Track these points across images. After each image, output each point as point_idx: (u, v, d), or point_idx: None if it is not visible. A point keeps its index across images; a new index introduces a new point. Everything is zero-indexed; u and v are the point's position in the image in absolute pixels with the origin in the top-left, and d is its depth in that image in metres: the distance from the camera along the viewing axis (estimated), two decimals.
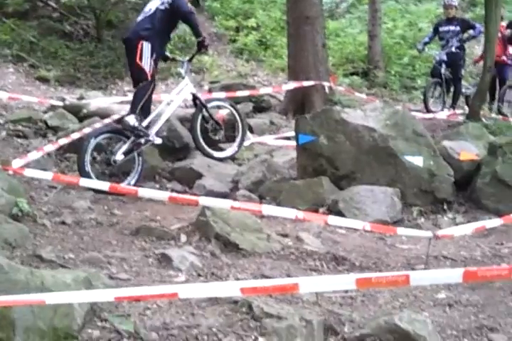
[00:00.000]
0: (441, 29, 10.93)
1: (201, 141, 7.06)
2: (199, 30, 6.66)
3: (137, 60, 6.42)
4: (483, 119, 9.50)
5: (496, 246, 4.99)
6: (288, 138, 8.11)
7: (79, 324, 2.82)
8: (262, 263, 4.27)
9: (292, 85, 9.77)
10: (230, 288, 2.77)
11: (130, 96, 10.21)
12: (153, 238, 4.49)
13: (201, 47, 6.73)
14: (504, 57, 11.33)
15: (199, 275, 3.91)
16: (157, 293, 2.79)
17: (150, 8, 6.64)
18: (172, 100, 7.11)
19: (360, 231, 5.06)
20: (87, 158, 6.08)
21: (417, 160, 6.04)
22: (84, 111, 8.30)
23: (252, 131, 8.47)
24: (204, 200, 4.67)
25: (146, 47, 6.43)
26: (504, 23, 11.17)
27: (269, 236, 4.68)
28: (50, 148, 6.70)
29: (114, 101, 9.08)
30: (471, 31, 10.92)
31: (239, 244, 4.43)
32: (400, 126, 6.23)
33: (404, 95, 12.68)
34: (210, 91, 10.47)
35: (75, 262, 3.89)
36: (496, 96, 11.39)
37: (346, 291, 3.70)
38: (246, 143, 7.73)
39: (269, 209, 4.75)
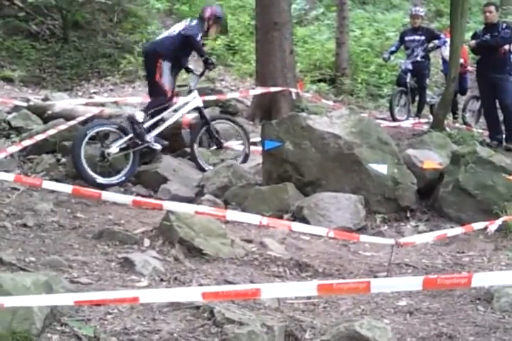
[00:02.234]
0: (406, 38, 11.06)
1: (196, 152, 7.13)
2: (202, 51, 7.19)
3: (157, 77, 6.89)
4: (447, 129, 9.64)
5: (457, 255, 5.06)
6: (254, 144, 8.11)
7: (38, 328, 2.78)
8: (226, 268, 4.26)
9: (259, 91, 9.80)
10: (191, 293, 2.76)
11: (96, 98, 10.20)
12: (116, 242, 4.46)
13: (206, 65, 7.19)
14: (469, 67, 11.52)
15: (162, 280, 3.89)
16: (118, 298, 2.77)
17: (174, 29, 7.20)
18: (177, 109, 7.30)
19: (324, 237, 5.08)
20: (82, 149, 6.29)
21: (382, 168, 6.09)
22: (49, 112, 8.19)
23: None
24: (168, 205, 4.65)
25: (166, 66, 6.89)
26: None
27: (233, 241, 4.68)
28: (14, 149, 6.62)
29: (79, 103, 8.99)
30: (436, 41, 11.08)
31: (203, 249, 4.42)
32: (365, 133, 6.28)
33: (371, 103, 12.79)
34: (177, 95, 10.42)
35: (36, 265, 3.85)
36: (459, 106, 11.56)
37: (309, 298, 3.71)
38: (212, 148, 7.71)
39: (233, 214, 4.74)
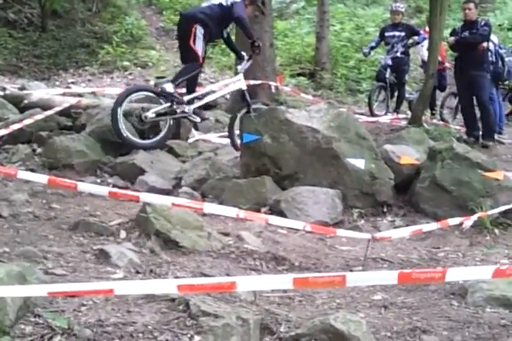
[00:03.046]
0: (386, 34, 11.11)
1: (235, 133, 7.28)
2: (250, 33, 7.34)
3: (190, 42, 7.05)
4: (425, 124, 9.70)
5: (433, 250, 5.09)
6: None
7: (11, 319, 2.75)
8: (202, 261, 4.24)
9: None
10: (166, 286, 2.75)
11: (74, 89, 10.11)
12: (92, 233, 4.41)
13: (253, 48, 7.37)
14: (447, 64, 11.59)
15: (137, 272, 3.85)
16: (92, 289, 2.75)
17: (216, 1, 7.33)
18: (220, 87, 7.73)
19: (301, 231, 5.08)
20: (120, 110, 6.61)
21: (359, 163, 6.11)
22: (26, 101, 8.13)
23: (196, 129, 8.44)
24: (145, 196, 4.62)
25: (199, 31, 7.05)
26: None
27: (210, 234, 4.66)
28: None
29: (56, 93, 8.91)
30: (415, 37, 11.13)
31: (179, 242, 4.39)
32: (344, 128, 6.29)
33: (350, 98, 12.85)
34: (155, 86, 10.36)
35: (10, 256, 3.79)
36: (437, 102, 11.64)
37: (285, 291, 3.71)
38: (190, 140, 7.69)
39: (210, 207, 4.72)
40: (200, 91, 7.42)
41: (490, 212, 5.38)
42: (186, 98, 7.09)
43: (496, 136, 9.98)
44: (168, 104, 6.90)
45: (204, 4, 7.59)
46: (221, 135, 8.40)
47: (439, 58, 10.64)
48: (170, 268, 4.01)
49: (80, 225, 4.52)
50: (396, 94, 11.21)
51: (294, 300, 3.68)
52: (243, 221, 5.17)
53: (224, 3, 7.20)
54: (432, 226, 5.11)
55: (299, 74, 13.16)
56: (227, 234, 4.85)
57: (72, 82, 11.26)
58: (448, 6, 15.21)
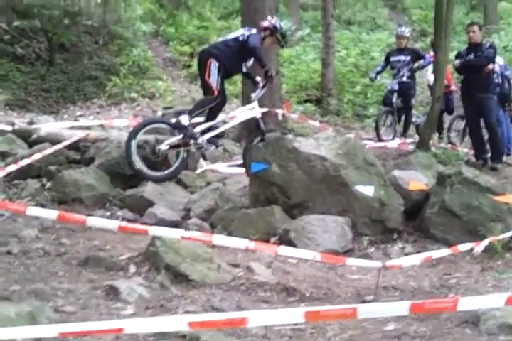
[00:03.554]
0: (392, 59, 11.14)
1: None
2: (263, 63, 7.39)
3: (206, 76, 7.21)
4: (433, 148, 9.68)
5: (444, 277, 5.04)
6: (241, 166, 8.12)
7: None
8: (212, 294, 4.23)
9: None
10: (177, 323, 2.74)
11: (82, 121, 10.19)
12: (102, 269, 4.43)
13: (266, 77, 7.51)
14: (453, 87, 11.61)
15: (147, 307, 3.85)
16: (102, 329, 2.75)
17: (232, 36, 7.55)
18: (234, 117, 7.80)
19: (311, 261, 5.06)
20: (134, 142, 6.73)
21: (368, 190, 6.09)
22: (34, 136, 8.19)
23: (205, 158, 8.47)
24: (154, 230, 4.61)
25: (214, 65, 7.20)
26: None
27: (219, 266, 4.65)
28: None
29: (65, 126, 8.98)
30: (421, 61, 11.16)
31: (189, 275, 4.39)
32: (351, 154, 6.29)
33: (357, 123, 12.87)
34: (163, 115, 10.46)
35: (20, 294, 3.80)
36: (445, 125, 11.63)
37: (296, 323, 3.68)
38: (198, 171, 7.72)
39: (219, 239, 4.70)
40: (212, 121, 7.46)
41: (501, 237, 5.33)
42: (199, 129, 7.16)
43: (505, 158, 9.94)
44: (181, 136, 6.98)
45: (220, 39, 7.87)
46: (229, 164, 8.42)
47: (446, 81, 10.66)
48: (180, 302, 4.00)
49: (90, 261, 4.53)
50: (403, 118, 11.20)
51: (305, 333, 3.65)
52: (253, 251, 5.15)
53: (240, 38, 7.35)
54: (443, 252, 5.07)
55: (305, 101, 13.22)
56: (237, 266, 4.84)
57: (81, 115, 11.36)
58: (452, 29, 15.36)
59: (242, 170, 7.59)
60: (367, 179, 6.17)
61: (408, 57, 11.02)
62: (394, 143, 10.39)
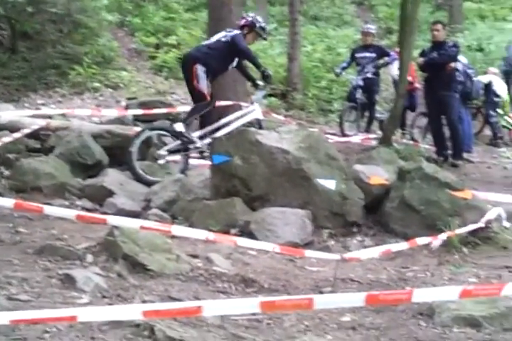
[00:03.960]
0: (357, 55, 11.23)
1: None
2: (258, 63, 7.49)
3: (195, 83, 7.18)
4: (395, 144, 9.78)
5: (402, 270, 5.09)
6: (203, 158, 8.08)
7: None
8: (170, 284, 4.20)
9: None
10: (131, 311, 2.72)
11: (43, 110, 10.03)
12: (58, 258, 4.35)
13: (264, 77, 7.49)
14: (417, 84, 11.74)
15: (104, 296, 3.80)
16: (55, 316, 2.71)
17: (214, 38, 7.53)
18: (234, 120, 7.73)
19: (271, 252, 5.06)
20: (135, 149, 6.90)
21: (330, 184, 6.12)
22: None
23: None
24: (113, 219, 4.57)
25: (201, 70, 7.16)
26: None
27: (178, 256, 4.62)
28: None
29: (25, 115, 8.83)
30: (386, 58, 11.26)
31: (147, 265, 4.35)
32: (314, 148, 6.31)
33: (321, 118, 12.91)
34: (126, 107, 10.34)
35: None
36: (408, 122, 11.76)
37: (253, 314, 3.68)
38: (161, 161, 7.66)
39: (179, 229, 4.69)
40: (212, 125, 7.44)
41: (458, 231, 5.40)
42: (197, 134, 7.17)
43: (465, 155, 10.10)
44: (180, 142, 7.04)
45: (204, 42, 7.80)
46: (192, 156, 8.36)
47: (410, 79, 10.78)
48: (137, 292, 3.96)
49: (46, 249, 4.46)
50: (367, 114, 11.29)
51: (262, 323, 3.65)
52: (213, 242, 5.13)
53: (223, 39, 7.31)
54: (401, 246, 5.13)
55: (270, 95, 13.18)
56: (196, 257, 4.82)
57: (42, 104, 11.18)
58: (418, 27, 15.48)
59: (205, 162, 7.56)
60: (329, 173, 6.20)
61: (373, 54, 11.12)
62: (357, 139, 10.47)
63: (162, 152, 7.02)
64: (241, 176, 6.15)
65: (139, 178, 6.95)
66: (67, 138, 7.31)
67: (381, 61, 11.18)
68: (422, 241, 5.19)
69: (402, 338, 3.48)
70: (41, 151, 7.52)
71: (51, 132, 7.74)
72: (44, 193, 6.56)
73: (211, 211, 5.93)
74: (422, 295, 3.05)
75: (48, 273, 4.05)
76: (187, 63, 7.28)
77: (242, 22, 7.57)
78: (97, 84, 12.20)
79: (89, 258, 4.38)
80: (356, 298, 3.00)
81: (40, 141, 7.74)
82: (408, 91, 10.63)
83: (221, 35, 7.42)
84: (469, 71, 11.33)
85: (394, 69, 11.13)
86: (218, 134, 7.27)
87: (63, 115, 9.49)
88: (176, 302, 3.31)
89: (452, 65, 9.70)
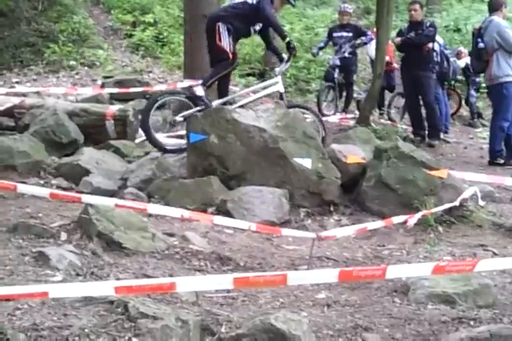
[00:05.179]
0: (334, 35, 11.19)
1: None
2: (283, 33, 7.22)
3: (217, 41, 6.93)
4: (373, 124, 9.79)
5: (378, 248, 5.12)
6: (181, 137, 8.03)
7: None
8: (146, 262, 4.18)
9: (187, 83, 9.67)
10: (103, 288, 2.70)
11: (18, 88, 9.89)
12: (32, 235, 4.29)
13: (289, 49, 7.19)
14: (395, 64, 11.74)
15: (78, 274, 3.77)
16: (26, 293, 2.68)
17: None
18: (256, 90, 7.56)
19: (248, 231, 5.06)
20: (150, 114, 6.73)
21: (306, 162, 6.11)
22: None
23: None
24: (87, 198, 4.53)
25: (223, 28, 6.91)
26: None
27: (154, 235, 4.59)
28: None
29: None
30: (363, 37, 11.23)
31: (122, 243, 4.31)
32: (291, 127, 6.29)
33: (299, 98, 12.88)
34: (102, 86, 10.24)
35: None
36: (385, 102, 11.78)
37: (228, 291, 3.68)
38: (137, 140, 7.61)
39: (154, 208, 4.68)
40: (232, 94, 7.32)
41: (434, 210, 5.43)
42: (216, 102, 6.98)
43: (442, 135, 10.16)
44: (198, 108, 6.80)
45: (227, 3, 7.59)
46: (170, 135, 8.31)
47: (388, 59, 10.79)
48: (112, 270, 3.93)
49: (20, 227, 4.40)
50: (344, 94, 11.28)
51: (237, 300, 3.65)
52: (189, 221, 5.13)
53: (249, 1, 7.05)
54: (377, 224, 5.14)
55: (248, 74, 13.15)
56: (172, 235, 4.80)
57: (17, 82, 11.02)
58: (395, 7, 15.44)
59: (183, 140, 7.51)
60: (305, 152, 6.18)
61: (350, 34, 11.08)
62: (335, 118, 10.47)
63: (178, 118, 6.85)
64: (217, 155, 6.12)
65: (155, 144, 6.81)
66: (42, 116, 7.20)
67: (358, 41, 11.16)
68: (397, 219, 5.21)
69: (377, 315, 3.50)
70: (15, 129, 7.42)
71: (26, 110, 7.62)
72: (19, 172, 6.47)
73: (188, 190, 5.89)
74: (395, 272, 3.07)
75: (21, 250, 4.01)
76: (209, 22, 7.08)
77: None
78: (72, 63, 12.06)
79: (64, 236, 4.34)
80: (329, 275, 3.01)
81: (15, 119, 7.62)
82: (386, 71, 10.62)
83: None
84: (446, 51, 11.37)
85: (371, 49, 11.10)
86: (238, 104, 7.15)
87: (38, 93, 9.37)
88: (149, 279, 3.30)
89: (429, 45, 9.71)
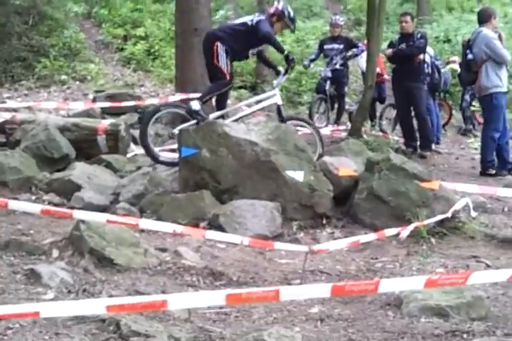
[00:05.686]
0: (325, 47, 11.22)
1: None
2: (282, 47, 7.24)
3: (214, 61, 6.96)
4: (365, 136, 9.81)
5: (371, 261, 5.11)
6: (173, 151, 8.03)
7: None
8: (138, 278, 4.17)
9: (179, 97, 9.71)
10: (95, 306, 2.68)
11: (9, 104, 9.88)
12: (23, 253, 4.29)
13: (288, 61, 7.20)
14: (386, 76, 11.78)
15: (70, 292, 3.76)
16: (17, 313, 2.66)
17: (240, 20, 7.31)
18: (253, 103, 7.58)
19: (240, 245, 5.04)
20: (149, 127, 6.75)
21: (298, 175, 6.11)
22: None
23: (136, 143, 8.33)
24: (78, 213, 4.52)
25: (221, 48, 6.94)
26: None
27: (146, 250, 4.58)
28: None
29: None
30: (354, 49, 11.27)
31: (114, 259, 4.30)
32: (282, 140, 6.29)
33: (291, 110, 12.90)
34: (94, 100, 10.24)
35: None
36: (376, 113, 11.81)
37: (221, 307, 3.67)
38: (129, 155, 7.60)
39: (146, 223, 4.66)
40: (229, 107, 7.34)
41: (426, 222, 5.43)
42: (212, 115, 6.98)
43: (434, 146, 10.18)
44: (195, 122, 6.80)
45: (228, 24, 7.74)
46: (161, 149, 8.30)
47: (379, 70, 10.82)
48: (104, 286, 3.92)
49: (11, 244, 4.39)
50: (336, 105, 11.31)
51: (230, 316, 3.64)
52: (182, 236, 5.11)
53: (249, 23, 7.08)
54: (370, 237, 5.14)
55: (240, 87, 13.17)
56: (164, 250, 4.79)
57: (8, 97, 11.01)
58: (386, 19, 15.53)
59: (174, 154, 7.51)
60: (297, 164, 6.19)
61: (341, 46, 11.12)
62: (327, 130, 10.48)
63: (175, 131, 6.85)
64: (209, 168, 6.12)
65: (154, 158, 6.82)
66: (33, 131, 7.19)
67: (349, 53, 11.19)
68: (390, 232, 5.21)
69: (370, 329, 3.49)
70: (7, 145, 7.40)
71: (17, 126, 7.61)
72: (10, 188, 6.46)
73: (180, 204, 5.88)
74: (387, 286, 3.07)
75: (12, 268, 4.00)
76: (207, 41, 7.11)
77: (272, 10, 7.38)
78: (64, 77, 12.07)
79: (55, 253, 4.33)
80: (322, 290, 3.00)
81: (6, 135, 7.61)
82: (377, 83, 10.66)
83: (248, 19, 7.18)
84: (437, 62, 11.43)
85: (362, 60, 11.15)
86: (235, 117, 7.16)
87: (29, 108, 9.36)
88: (141, 296, 3.28)
89: (420, 56, 9.76)
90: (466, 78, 9.33)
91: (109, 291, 3.84)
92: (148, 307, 2.78)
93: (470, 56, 8.66)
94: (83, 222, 4.47)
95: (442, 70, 11.62)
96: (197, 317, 3.50)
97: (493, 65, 8.28)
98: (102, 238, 4.41)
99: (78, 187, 6.36)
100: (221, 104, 7.28)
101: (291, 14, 7.50)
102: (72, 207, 5.70)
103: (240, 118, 7.17)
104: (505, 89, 8.41)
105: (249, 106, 7.64)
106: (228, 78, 7.04)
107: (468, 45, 8.75)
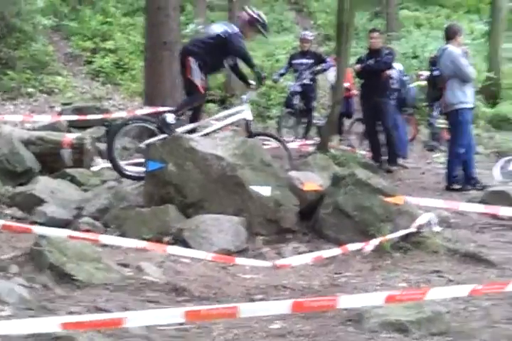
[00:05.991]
0: (294, 61, 11.31)
1: None
2: (253, 63, 7.34)
3: (188, 75, 7.01)
4: (332, 150, 9.87)
5: (335, 275, 5.11)
6: (139, 165, 7.97)
7: None
8: (98, 295, 4.12)
9: (147, 110, 9.68)
10: (49, 324, 2.64)
11: None
12: None
13: (258, 78, 7.39)
14: (354, 91, 11.89)
15: (28, 308, 3.69)
16: None
17: (214, 31, 7.24)
18: (222, 118, 7.56)
19: (204, 260, 5.02)
20: (116, 140, 6.75)
21: (265, 190, 6.11)
22: None
23: (102, 156, 8.27)
24: (39, 229, 4.47)
25: (194, 64, 6.98)
26: None
27: (108, 266, 4.53)
28: None
29: None
30: (323, 64, 11.37)
31: (74, 275, 4.25)
32: (249, 155, 6.30)
33: (260, 124, 12.95)
34: (60, 113, 10.16)
35: None
36: (344, 128, 11.90)
37: (181, 323, 3.63)
38: (94, 168, 7.54)
39: (107, 238, 4.63)
40: (197, 122, 7.30)
41: (389, 237, 5.46)
42: (180, 130, 6.96)
43: (401, 161, 10.27)
44: (163, 136, 6.77)
45: (200, 36, 7.77)
46: (128, 163, 8.25)
47: (347, 85, 10.91)
48: (64, 303, 3.86)
49: None
50: (305, 120, 11.37)
51: (189, 332, 3.60)
52: (145, 251, 5.06)
53: (222, 35, 7.09)
54: (333, 252, 5.15)
55: (208, 101, 13.17)
56: (126, 266, 4.74)
57: None
58: (356, 34, 15.71)
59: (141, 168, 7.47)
60: (263, 179, 6.19)
61: (310, 60, 11.22)
62: (295, 144, 10.52)
63: (143, 145, 6.85)
64: (175, 183, 6.09)
65: (120, 172, 6.80)
66: None
67: (318, 67, 11.28)
68: (353, 246, 5.23)
69: None
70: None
71: None
72: None
73: (144, 218, 5.85)
74: (347, 302, 3.07)
75: None
76: (181, 55, 7.17)
77: (246, 17, 7.38)
78: (31, 90, 11.99)
79: (14, 268, 4.26)
80: (282, 306, 3.00)
81: None
82: (345, 98, 10.76)
83: (220, 30, 7.17)
84: (404, 78, 11.56)
85: (331, 75, 11.24)
86: (203, 132, 7.17)
87: None
88: (98, 314, 3.24)
89: (388, 72, 9.88)
90: (432, 94, 9.46)
91: (68, 308, 3.78)
92: (105, 325, 2.74)
93: (436, 72, 8.79)
94: (44, 237, 4.41)
95: (409, 86, 11.76)
96: (156, 333, 3.46)
97: (458, 81, 8.39)
98: (63, 253, 4.36)
99: (41, 201, 6.30)
100: (196, 118, 7.30)
101: (265, 20, 7.54)
102: (35, 222, 5.64)
103: (210, 133, 7.17)
104: (471, 105, 8.52)
105: (218, 120, 7.63)
106: (203, 92, 7.06)
107: (434, 62, 8.88)
